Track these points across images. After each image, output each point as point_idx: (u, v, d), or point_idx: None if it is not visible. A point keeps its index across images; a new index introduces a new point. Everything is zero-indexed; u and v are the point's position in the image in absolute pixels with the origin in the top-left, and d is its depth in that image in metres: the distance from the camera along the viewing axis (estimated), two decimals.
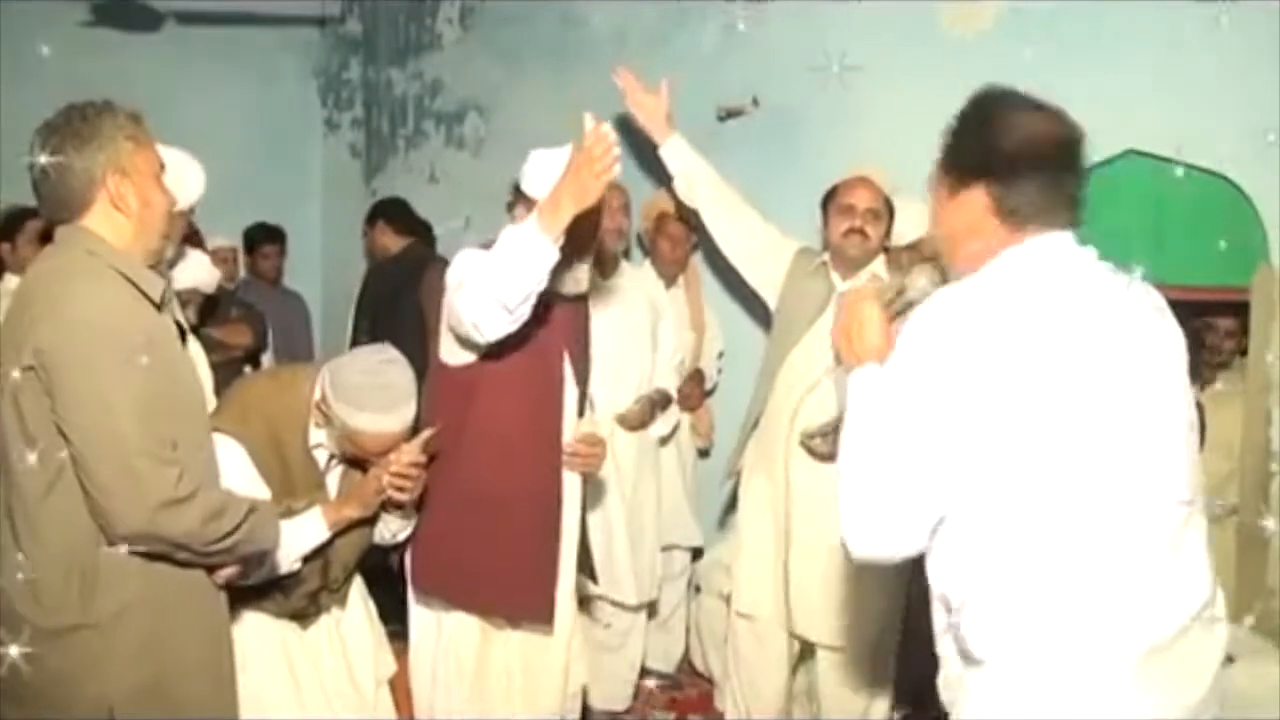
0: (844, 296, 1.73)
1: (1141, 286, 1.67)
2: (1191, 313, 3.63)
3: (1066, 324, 1.54)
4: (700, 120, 4.23)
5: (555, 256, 2.09)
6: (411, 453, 2.28)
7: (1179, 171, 3.09)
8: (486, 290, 2.13)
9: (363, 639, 2.57)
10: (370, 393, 2.22)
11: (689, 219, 3.81)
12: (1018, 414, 1.49)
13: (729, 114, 4.11)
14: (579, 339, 2.62)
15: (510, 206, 2.54)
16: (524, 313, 2.18)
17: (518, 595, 2.51)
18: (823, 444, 2.82)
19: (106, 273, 1.81)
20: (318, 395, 2.29)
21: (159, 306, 1.88)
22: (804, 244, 3.23)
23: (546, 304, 2.36)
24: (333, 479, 2.42)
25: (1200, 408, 3.47)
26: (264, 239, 5.24)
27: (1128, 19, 3.12)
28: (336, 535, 2.36)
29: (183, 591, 1.89)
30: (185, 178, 2.77)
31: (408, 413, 2.27)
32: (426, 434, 2.31)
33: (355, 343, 4.52)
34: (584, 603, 2.98)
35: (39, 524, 1.78)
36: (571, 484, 2.61)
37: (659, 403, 3.56)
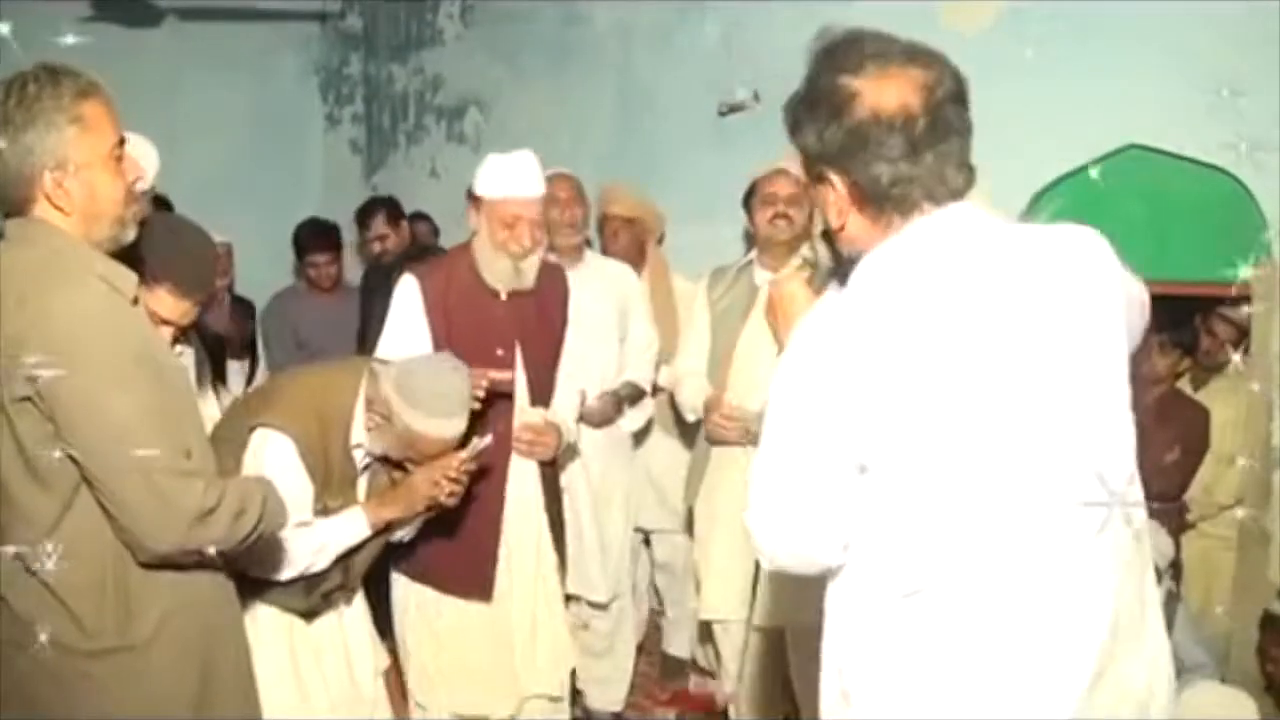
0: (775, 284, 1.68)
1: (1075, 235, 1.42)
2: (1191, 309, 3.64)
3: (973, 301, 1.32)
4: (702, 116, 4.25)
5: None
6: (466, 460, 2.34)
7: (1180, 167, 3.09)
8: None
9: (363, 633, 2.59)
10: (440, 399, 2.27)
11: (634, 216, 3.78)
12: (929, 401, 1.29)
13: (730, 109, 4.12)
14: (541, 329, 2.81)
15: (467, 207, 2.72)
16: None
17: (455, 572, 2.70)
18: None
19: (81, 275, 1.68)
20: (364, 396, 2.31)
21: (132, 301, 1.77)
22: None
23: (487, 304, 2.68)
24: (360, 480, 2.43)
25: (1201, 407, 3.52)
26: (313, 244, 4.63)
27: (1128, 18, 3.11)
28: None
29: (209, 596, 1.86)
30: (137, 160, 2.68)
31: (465, 419, 2.33)
32: (481, 444, 2.36)
33: (366, 341, 4.47)
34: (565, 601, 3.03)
35: (57, 551, 1.67)
36: (524, 468, 2.79)
37: (627, 397, 3.45)
